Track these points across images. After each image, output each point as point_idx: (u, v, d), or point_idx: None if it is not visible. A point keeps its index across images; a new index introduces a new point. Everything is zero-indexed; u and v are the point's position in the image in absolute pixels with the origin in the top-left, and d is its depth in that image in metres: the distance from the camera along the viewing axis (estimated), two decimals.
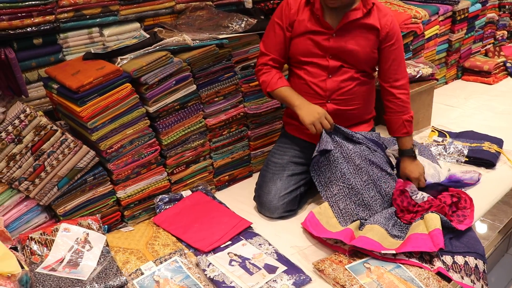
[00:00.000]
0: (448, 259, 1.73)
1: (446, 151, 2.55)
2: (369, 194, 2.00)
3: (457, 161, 2.49)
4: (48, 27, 2.15)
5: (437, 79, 3.06)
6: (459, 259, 1.74)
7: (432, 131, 2.81)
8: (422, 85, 2.84)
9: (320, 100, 2.11)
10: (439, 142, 2.65)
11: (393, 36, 2.09)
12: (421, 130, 2.92)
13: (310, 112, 2.03)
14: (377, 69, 2.21)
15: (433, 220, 1.83)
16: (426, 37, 3.33)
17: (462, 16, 3.55)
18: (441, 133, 2.76)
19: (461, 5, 3.49)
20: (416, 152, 2.21)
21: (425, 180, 2.14)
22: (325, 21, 2.04)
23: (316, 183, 2.11)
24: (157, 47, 2.10)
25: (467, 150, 2.51)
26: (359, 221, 1.95)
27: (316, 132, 2.02)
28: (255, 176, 2.44)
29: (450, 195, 2.01)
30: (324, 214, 2.02)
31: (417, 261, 1.73)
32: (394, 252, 1.74)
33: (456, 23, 3.54)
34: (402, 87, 2.17)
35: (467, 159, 2.48)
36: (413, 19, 3.08)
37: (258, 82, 2.23)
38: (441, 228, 1.79)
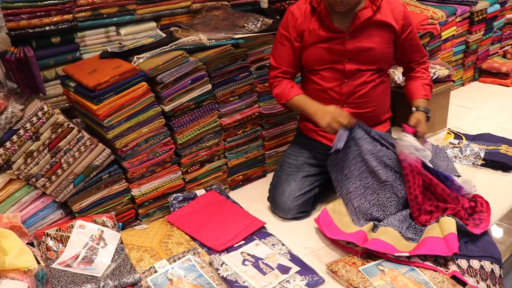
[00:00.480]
0: (463, 263, 1.72)
1: (462, 154, 2.52)
2: (385, 195, 1.98)
3: (473, 164, 2.47)
4: (66, 26, 2.18)
5: (453, 81, 3.02)
6: (475, 263, 1.72)
7: (448, 133, 2.78)
8: (438, 86, 2.81)
9: (336, 104, 2.09)
10: (455, 144, 2.62)
11: (408, 26, 2.11)
12: (437, 132, 2.90)
13: (324, 115, 2.01)
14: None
15: (449, 224, 1.80)
16: (443, 38, 3.30)
17: (480, 17, 3.51)
18: (457, 135, 2.73)
19: (479, 5, 3.44)
20: (429, 116, 2.19)
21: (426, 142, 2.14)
22: (335, 27, 2.03)
23: (332, 178, 2.08)
24: (173, 47, 2.11)
25: (484, 153, 2.48)
26: (372, 223, 1.93)
27: (335, 132, 1.99)
28: (269, 176, 2.45)
29: (468, 199, 1.99)
30: (338, 211, 2.00)
31: (432, 264, 1.71)
32: (407, 254, 1.73)
33: (473, 24, 3.50)
34: (423, 63, 2.27)
35: (483, 162, 2.45)
36: (430, 20, 3.06)
37: (273, 95, 2.22)
38: (456, 233, 1.77)
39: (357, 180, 2.02)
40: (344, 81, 2.09)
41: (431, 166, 2.00)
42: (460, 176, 2.30)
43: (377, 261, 1.75)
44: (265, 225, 2.05)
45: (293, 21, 2.10)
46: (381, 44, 2.07)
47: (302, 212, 2.14)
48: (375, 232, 1.90)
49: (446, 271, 1.68)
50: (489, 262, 1.73)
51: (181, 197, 2.20)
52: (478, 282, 1.66)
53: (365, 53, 2.05)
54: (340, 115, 1.98)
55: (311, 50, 2.10)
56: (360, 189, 2.01)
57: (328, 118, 1.99)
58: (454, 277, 1.66)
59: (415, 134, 2.02)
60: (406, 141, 1.98)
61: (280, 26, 2.16)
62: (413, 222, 1.96)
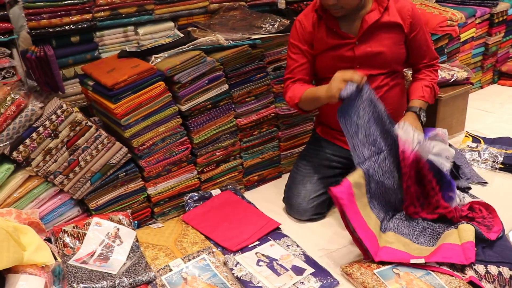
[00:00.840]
0: (481, 268, 1.69)
1: (480, 157, 2.49)
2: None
3: (491, 167, 2.43)
4: (85, 25, 2.21)
5: (472, 83, 2.99)
6: (493, 269, 1.69)
7: (466, 136, 2.75)
8: (456, 89, 2.78)
9: None
10: (473, 147, 2.59)
11: (417, 24, 2.06)
12: (454, 135, 2.86)
13: (331, 84, 1.86)
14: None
15: (467, 232, 1.78)
16: (461, 40, 3.25)
17: (501, 19, 3.46)
18: (475, 139, 2.69)
19: (500, 7, 3.39)
20: (422, 117, 2.09)
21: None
22: (343, 32, 2.01)
23: (344, 132, 1.90)
24: (191, 47, 2.12)
25: (503, 157, 2.45)
26: (379, 221, 1.89)
27: (340, 96, 1.83)
28: (285, 177, 2.44)
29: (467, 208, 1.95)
30: (358, 186, 1.84)
31: (448, 269, 1.70)
32: (423, 261, 1.71)
33: (493, 26, 3.45)
34: (431, 66, 2.19)
35: (502, 166, 2.41)
36: (448, 21, 3.02)
37: (286, 101, 2.17)
38: (474, 241, 1.75)
39: (371, 146, 1.91)
40: None
41: (434, 163, 1.87)
42: (487, 183, 2.27)
43: (392, 265, 1.73)
44: (280, 226, 2.04)
45: (301, 30, 2.08)
46: (392, 47, 2.03)
47: (317, 214, 2.13)
48: (385, 233, 1.88)
49: (463, 276, 1.67)
50: (507, 268, 1.71)
51: (196, 197, 2.21)
52: None
53: (376, 57, 2.02)
54: (345, 73, 1.85)
55: (322, 58, 2.09)
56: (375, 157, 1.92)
57: (335, 83, 1.85)
58: (471, 283, 1.64)
59: None
60: (406, 129, 1.91)
61: (290, 37, 2.14)
62: (425, 229, 1.93)
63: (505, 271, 1.69)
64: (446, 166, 1.90)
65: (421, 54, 2.15)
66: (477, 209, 1.95)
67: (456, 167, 2.19)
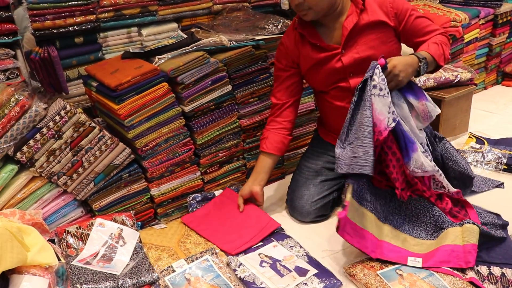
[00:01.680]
0: (483, 269, 1.69)
1: (484, 159, 2.48)
2: None
3: (495, 168, 2.43)
4: (89, 26, 2.22)
5: (476, 84, 2.98)
6: (496, 270, 1.69)
7: (469, 137, 2.74)
8: (460, 90, 2.77)
9: None
10: (476, 148, 2.59)
11: (403, 11, 1.93)
12: (458, 136, 2.86)
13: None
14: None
15: (471, 233, 1.75)
16: (465, 41, 3.25)
17: (505, 20, 3.45)
18: (479, 140, 2.69)
19: (504, 8, 3.38)
20: (422, 66, 1.84)
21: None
22: (327, 45, 1.96)
23: None
24: (194, 47, 2.13)
25: (507, 158, 2.44)
26: (374, 215, 1.86)
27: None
28: (288, 177, 2.44)
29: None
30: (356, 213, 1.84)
31: (449, 269, 1.69)
32: (420, 264, 1.71)
33: (497, 26, 3.44)
34: (437, 34, 1.99)
35: (506, 167, 2.40)
36: (452, 22, 3.02)
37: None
38: (477, 243, 1.73)
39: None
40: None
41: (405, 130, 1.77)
42: (503, 183, 2.25)
43: (396, 265, 1.73)
44: (283, 227, 2.04)
45: (284, 51, 2.08)
46: (381, 46, 1.94)
47: (321, 216, 2.13)
48: (384, 223, 1.86)
49: (463, 276, 1.66)
50: (511, 269, 1.70)
51: (199, 197, 2.21)
52: None
53: (366, 62, 1.87)
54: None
55: (312, 74, 2.06)
56: None
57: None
58: (472, 283, 1.63)
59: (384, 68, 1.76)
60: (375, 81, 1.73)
61: (275, 59, 2.15)
62: (421, 220, 1.89)
63: (509, 273, 1.68)
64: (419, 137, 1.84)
65: (421, 37, 1.98)
66: (444, 201, 1.91)
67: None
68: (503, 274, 1.68)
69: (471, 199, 2.19)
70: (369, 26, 1.93)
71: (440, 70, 2.80)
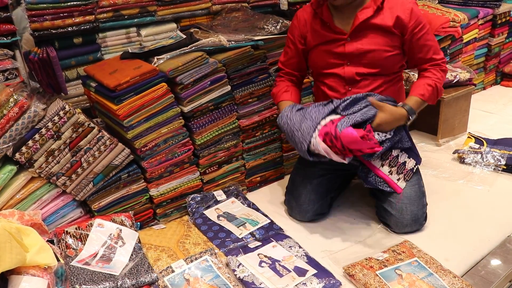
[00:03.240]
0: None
1: (483, 160, 2.48)
2: None
3: (494, 169, 2.43)
4: (88, 26, 2.22)
5: (475, 84, 2.98)
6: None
7: (468, 137, 2.74)
8: (459, 90, 2.78)
9: None
10: (475, 149, 2.59)
11: (416, 25, 1.95)
12: (457, 136, 2.86)
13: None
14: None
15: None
16: (464, 41, 3.26)
17: (503, 20, 3.46)
18: (478, 140, 2.69)
19: (502, 8, 3.40)
20: (411, 118, 1.95)
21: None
22: (336, 27, 1.99)
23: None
24: (193, 48, 2.13)
25: (506, 158, 2.44)
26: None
27: None
28: (287, 178, 2.43)
29: None
30: None
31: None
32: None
33: (496, 27, 3.45)
34: (437, 65, 2.04)
35: (504, 167, 2.41)
36: (451, 22, 3.02)
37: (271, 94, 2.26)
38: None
39: None
40: (348, 89, 2.03)
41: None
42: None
43: (395, 265, 1.73)
44: (282, 227, 2.05)
45: (297, 23, 2.11)
46: (383, 47, 1.96)
47: (319, 215, 2.13)
48: None
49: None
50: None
51: (198, 198, 2.21)
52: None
53: (366, 55, 1.97)
54: None
55: (315, 53, 2.09)
56: None
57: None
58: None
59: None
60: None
61: (288, 30, 2.19)
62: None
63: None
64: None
65: (423, 55, 2.03)
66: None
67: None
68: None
69: (472, 198, 2.20)
70: (379, 28, 1.96)
71: None
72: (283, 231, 2.03)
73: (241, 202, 2.25)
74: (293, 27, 2.14)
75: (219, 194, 2.27)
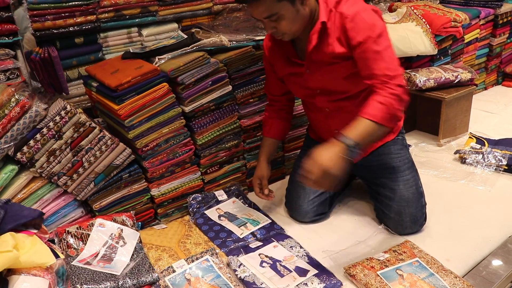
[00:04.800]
0: None
1: (484, 160, 2.48)
2: None
3: (496, 169, 2.42)
4: (89, 26, 2.22)
5: (476, 85, 2.98)
6: None
7: (470, 137, 2.74)
8: (460, 90, 2.77)
9: (328, 130, 2.01)
10: (477, 149, 2.58)
11: (356, 35, 1.67)
12: (458, 136, 2.86)
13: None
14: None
15: None
16: (465, 41, 3.25)
17: (505, 20, 3.46)
18: (479, 140, 2.69)
19: (504, 8, 3.39)
20: (351, 153, 1.56)
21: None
22: (295, 60, 1.89)
23: None
24: (194, 48, 2.13)
25: (507, 158, 2.44)
26: None
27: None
28: (288, 178, 2.44)
29: None
30: None
31: None
32: None
33: (498, 27, 3.45)
34: (386, 82, 1.64)
35: (506, 168, 2.40)
36: (452, 22, 3.02)
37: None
38: None
39: None
40: (326, 111, 1.97)
41: None
42: None
43: (396, 265, 1.73)
44: (283, 227, 2.05)
45: (265, 53, 2.07)
46: (344, 72, 1.78)
47: (319, 215, 2.13)
48: None
49: None
50: None
51: (199, 198, 2.21)
52: None
53: (330, 85, 1.83)
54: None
55: (286, 82, 2.04)
56: None
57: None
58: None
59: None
60: None
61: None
62: None
63: None
64: None
65: (368, 70, 1.69)
66: None
67: None
68: None
69: (473, 198, 2.20)
70: (330, 55, 1.76)
71: (440, 70, 2.81)
72: (284, 231, 2.03)
73: (242, 202, 2.25)
74: (263, 57, 2.10)
75: (220, 194, 2.27)
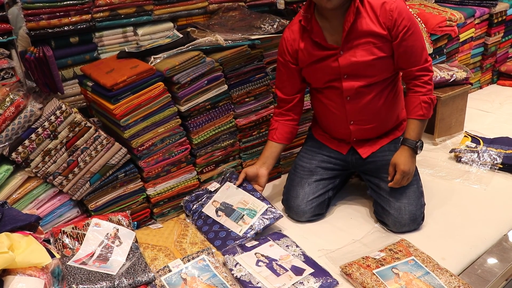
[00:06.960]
0: None
1: (479, 159, 2.49)
2: None
3: (491, 168, 2.43)
4: (84, 26, 2.20)
5: (471, 84, 2.99)
6: None
7: (465, 136, 2.75)
8: (455, 89, 2.78)
9: (343, 122, 2.07)
10: (472, 148, 2.59)
11: (401, 27, 1.85)
12: (453, 135, 2.87)
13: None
14: None
15: None
16: (461, 40, 3.26)
17: (500, 19, 3.47)
18: (475, 139, 2.70)
19: (499, 7, 3.40)
20: (419, 149, 1.97)
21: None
22: (328, 44, 1.94)
23: None
24: (190, 47, 2.12)
25: (502, 157, 2.45)
26: None
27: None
28: (284, 177, 2.45)
29: None
30: None
31: None
32: None
33: (493, 26, 3.46)
34: (424, 69, 1.95)
35: (501, 166, 2.41)
36: (447, 21, 3.03)
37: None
38: None
39: None
40: (346, 99, 2.01)
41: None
42: None
43: (391, 264, 1.74)
44: (279, 226, 2.05)
45: (285, 46, 2.06)
46: (377, 54, 1.90)
47: (316, 215, 2.13)
48: None
49: None
50: None
51: (193, 197, 2.20)
52: None
53: (361, 66, 1.91)
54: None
55: (309, 71, 2.05)
56: None
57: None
58: None
59: None
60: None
61: (277, 53, 2.15)
62: None
63: None
64: None
65: (409, 58, 1.93)
66: None
67: None
68: None
69: (468, 197, 2.21)
70: (367, 34, 1.88)
71: (436, 69, 2.82)
72: (281, 230, 2.03)
73: (234, 184, 2.20)
74: (281, 51, 2.09)
75: (212, 186, 2.23)
